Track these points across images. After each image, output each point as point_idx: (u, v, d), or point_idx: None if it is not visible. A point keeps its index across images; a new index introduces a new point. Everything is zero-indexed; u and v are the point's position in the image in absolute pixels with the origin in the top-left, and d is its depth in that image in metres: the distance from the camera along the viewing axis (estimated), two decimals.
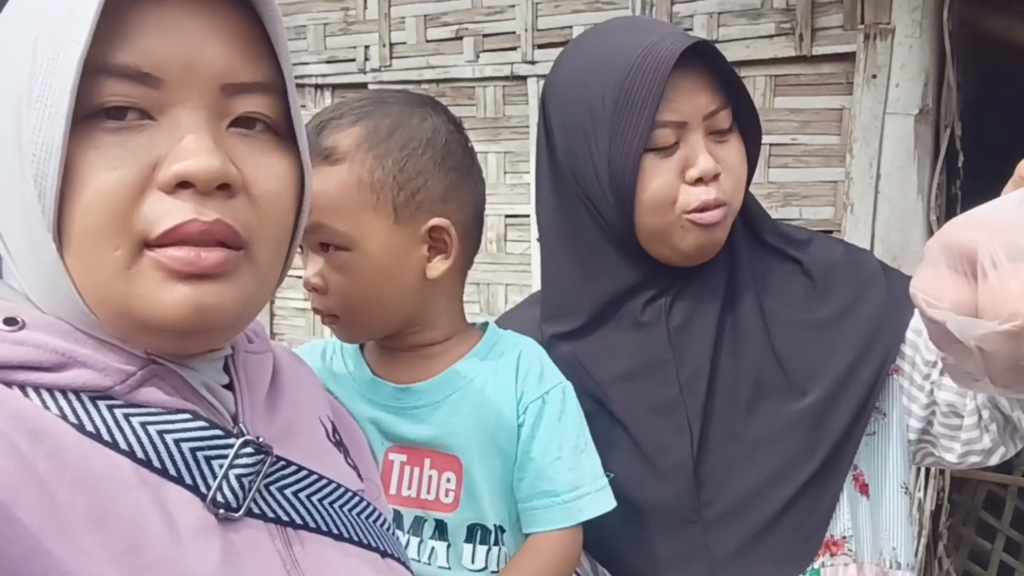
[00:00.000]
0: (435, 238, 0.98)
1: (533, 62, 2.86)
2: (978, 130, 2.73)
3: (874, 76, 2.43)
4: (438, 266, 0.99)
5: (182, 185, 0.56)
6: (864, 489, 1.10)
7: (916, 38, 2.39)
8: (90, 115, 0.55)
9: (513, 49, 2.89)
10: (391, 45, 3.04)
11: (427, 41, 3.01)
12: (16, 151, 0.55)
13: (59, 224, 0.55)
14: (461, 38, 2.96)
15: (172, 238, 0.56)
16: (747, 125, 1.09)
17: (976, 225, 0.84)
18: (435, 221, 0.97)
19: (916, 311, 1.06)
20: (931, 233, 2.40)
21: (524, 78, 2.88)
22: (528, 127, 2.89)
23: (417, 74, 3.01)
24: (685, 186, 1.04)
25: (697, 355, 1.09)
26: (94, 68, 0.54)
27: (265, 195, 0.61)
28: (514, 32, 2.88)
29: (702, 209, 1.03)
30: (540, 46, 2.85)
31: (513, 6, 2.87)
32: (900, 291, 1.12)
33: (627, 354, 1.11)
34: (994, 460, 1.14)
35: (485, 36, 2.93)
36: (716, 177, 1.03)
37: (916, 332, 1.11)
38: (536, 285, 2.90)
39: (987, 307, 0.81)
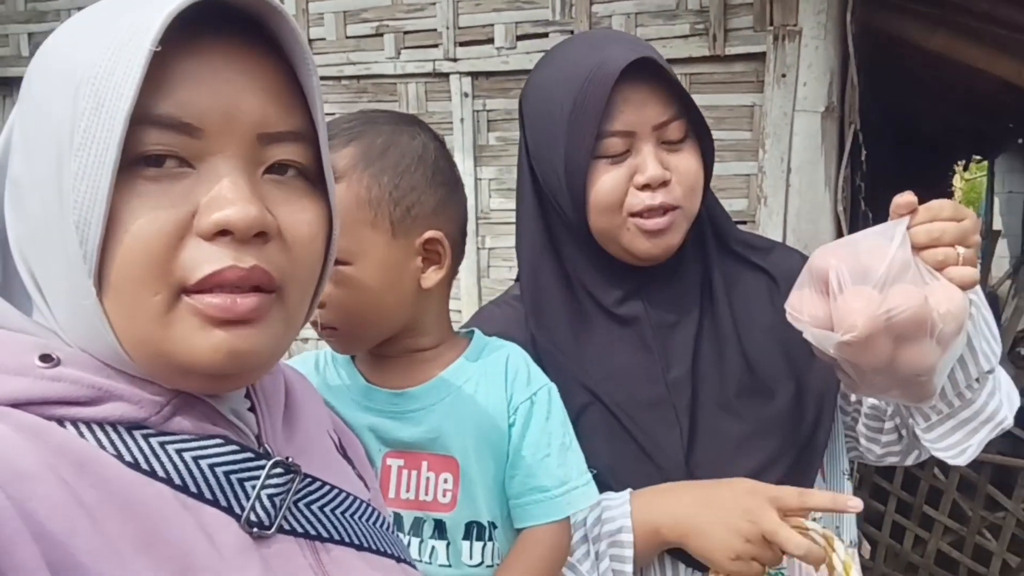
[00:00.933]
0: (429, 250, 1.02)
1: (455, 59, 2.89)
2: (878, 126, 2.90)
3: (783, 75, 2.56)
4: (432, 276, 1.03)
5: (221, 233, 0.58)
6: (823, 475, 1.21)
7: (821, 39, 2.53)
8: (130, 163, 0.56)
9: (435, 46, 2.91)
10: (310, 41, 3.01)
11: (347, 37, 3.00)
12: (56, 197, 0.56)
13: (99, 268, 0.56)
14: (382, 35, 2.96)
15: (210, 284, 0.58)
16: (702, 135, 1.15)
17: (834, 252, 0.99)
18: (430, 234, 1.01)
19: None
20: (838, 223, 2.56)
21: (446, 75, 2.91)
22: (451, 123, 2.93)
23: (337, 70, 3.00)
24: (633, 190, 1.11)
25: (681, 354, 1.16)
26: (136, 118, 0.55)
27: (298, 240, 0.63)
28: (435, 29, 2.90)
29: (647, 213, 1.10)
30: (462, 43, 2.88)
31: (434, 3, 2.89)
32: None
33: (612, 352, 1.17)
34: (910, 461, 1.27)
35: (406, 33, 2.94)
36: (666, 184, 1.10)
37: None
38: (464, 279, 2.95)
39: (835, 321, 0.96)
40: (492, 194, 2.93)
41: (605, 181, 1.11)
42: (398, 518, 1.04)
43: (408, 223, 1.00)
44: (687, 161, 1.12)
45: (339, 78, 3.01)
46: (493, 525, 1.04)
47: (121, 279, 0.57)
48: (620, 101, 1.09)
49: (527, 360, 1.09)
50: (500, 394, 1.05)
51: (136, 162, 0.57)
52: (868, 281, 0.94)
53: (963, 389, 1.09)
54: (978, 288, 1.06)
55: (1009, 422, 1.13)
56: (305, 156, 0.65)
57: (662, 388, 1.15)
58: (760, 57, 2.61)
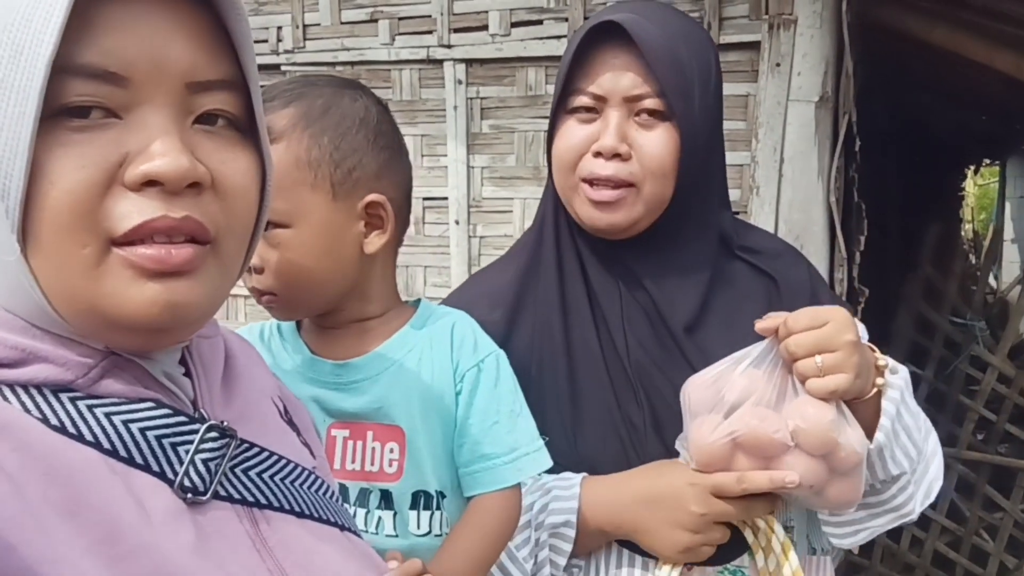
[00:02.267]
0: (371, 214, 1.01)
1: (449, 46, 2.87)
2: (868, 116, 2.87)
3: (778, 64, 2.53)
4: (375, 241, 1.02)
5: (149, 184, 0.56)
6: None
7: (817, 28, 2.50)
8: (54, 114, 0.55)
9: (429, 33, 2.89)
10: (304, 27, 3.00)
11: (341, 23, 2.98)
12: None
13: (23, 224, 0.55)
14: (376, 20, 2.94)
15: (140, 234, 0.56)
16: (691, 121, 1.11)
17: (694, 383, 1.05)
18: (372, 197, 1.00)
19: None
20: (831, 215, 2.53)
21: (440, 62, 2.89)
22: (444, 110, 2.91)
23: (332, 56, 2.99)
24: (589, 155, 1.10)
25: (645, 340, 1.15)
26: (58, 67, 0.54)
27: (231, 190, 0.62)
28: (430, 16, 2.88)
29: (596, 183, 1.09)
30: (456, 30, 2.86)
31: None
32: None
33: (580, 323, 1.16)
34: None
35: (400, 19, 2.92)
36: (621, 157, 1.08)
37: None
38: (454, 267, 2.93)
39: (689, 450, 1.05)
40: (485, 182, 2.91)
41: (566, 137, 1.11)
42: (343, 489, 1.03)
43: (349, 186, 0.98)
44: (655, 141, 1.10)
45: (333, 63, 2.99)
46: (442, 495, 1.03)
47: (47, 233, 0.55)
48: (599, 63, 1.09)
49: (474, 327, 1.08)
50: (446, 362, 1.03)
51: (60, 113, 0.55)
52: (719, 408, 1.00)
53: (870, 484, 1.09)
54: (902, 391, 1.07)
55: (915, 516, 1.13)
56: (235, 105, 0.64)
57: (624, 370, 1.14)
58: (755, 46, 2.58)
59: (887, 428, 1.06)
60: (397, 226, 1.05)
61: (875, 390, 1.06)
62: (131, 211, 0.56)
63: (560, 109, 1.13)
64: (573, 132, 1.11)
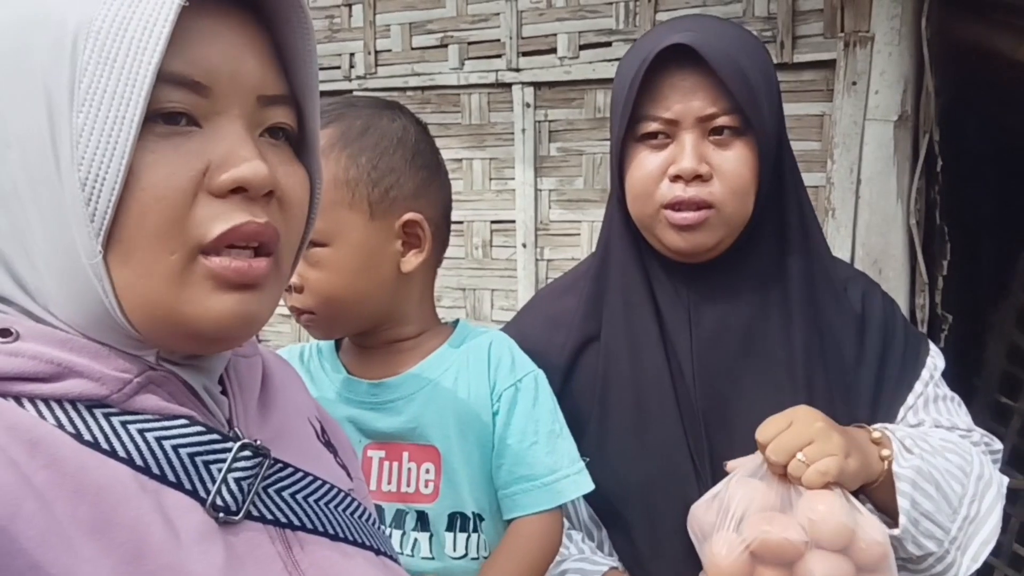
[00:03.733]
0: (409, 233, 1.01)
1: (518, 69, 2.88)
2: (955, 136, 2.76)
3: (854, 83, 2.46)
4: (412, 260, 1.02)
5: (234, 190, 0.58)
6: None
7: (895, 45, 2.41)
8: (145, 119, 0.55)
9: (498, 56, 2.90)
10: (376, 52, 3.05)
11: (412, 48, 3.02)
12: (47, 154, 0.55)
13: (109, 228, 0.55)
14: (446, 46, 2.97)
15: (229, 239, 0.58)
16: (765, 134, 1.08)
17: (696, 509, 1.03)
18: (409, 216, 1.00)
19: (912, 391, 1.12)
20: (911, 238, 2.43)
21: (509, 85, 2.90)
22: (512, 134, 2.91)
23: (402, 81, 3.03)
24: (667, 181, 1.06)
25: (714, 372, 1.11)
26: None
27: (292, 202, 0.63)
28: (499, 40, 2.90)
29: (676, 206, 1.05)
30: (524, 53, 2.87)
31: (498, 14, 2.89)
32: (909, 362, 1.16)
33: (649, 351, 1.13)
34: None
35: (470, 44, 2.94)
36: (702, 178, 1.05)
37: (907, 409, 1.14)
38: (521, 291, 2.92)
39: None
40: (552, 205, 2.90)
41: (640, 166, 1.08)
42: (379, 510, 1.02)
43: (386, 205, 0.99)
44: (734, 160, 1.06)
45: (404, 89, 3.03)
46: (480, 517, 1.01)
47: (137, 238, 0.56)
48: (667, 87, 1.06)
49: (512, 347, 1.06)
50: (483, 382, 1.02)
51: (150, 117, 0.56)
52: (726, 524, 0.98)
53: (906, 564, 1.04)
54: (918, 467, 1.02)
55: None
56: (293, 121, 0.65)
57: (674, 404, 1.11)
58: (830, 65, 2.50)
59: (906, 509, 1.00)
60: (435, 245, 1.05)
61: (885, 465, 1.02)
62: (220, 217, 0.57)
63: (628, 137, 1.10)
64: (648, 160, 1.08)
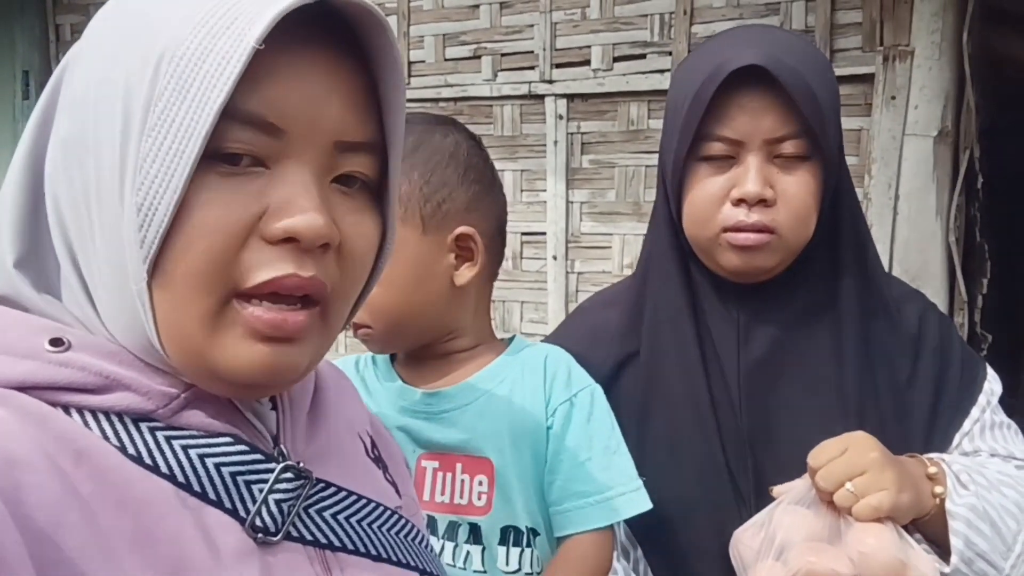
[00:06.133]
0: (461, 246, 1.01)
1: (551, 81, 2.87)
2: (996, 152, 2.72)
3: (893, 97, 2.43)
4: (465, 273, 1.02)
5: (286, 240, 0.56)
6: None
7: (935, 60, 2.39)
8: (206, 155, 0.54)
9: (531, 68, 2.90)
10: (409, 63, 3.06)
11: (445, 60, 3.03)
12: (116, 171, 0.54)
13: (156, 256, 0.54)
14: (479, 57, 2.98)
15: (267, 289, 0.56)
16: (830, 158, 1.05)
17: (740, 536, 1.00)
18: (461, 229, 1.00)
19: (968, 416, 1.10)
20: (950, 256, 2.39)
21: (542, 97, 2.89)
22: (545, 145, 2.90)
23: (435, 92, 3.03)
24: (728, 204, 1.03)
25: (763, 396, 1.09)
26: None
27: (354, 254, 0.61)
28: (532, 51, 2.89)
29: (737, 229, 1.03)
30: (558, 65, 2.87)
31: (532, 26, 2.89)
32: (966, 386, 1.12)
33: (690, 369, 1.11)
34: None
35: (503, 55, 2.94)
36: (766, 203, 1.02)
37: (962, 435, 1.11)
38: (551, 303, 2.90)
39: None
40: (584, 217, 2.89)
41: (702, 187, 1.05)
42: (432, 521, 1.01)
43: (439, 219, 0.99)
44: (798, 185, 1.02)
45: (436, 100, 3.03)
46: (534, 532, 1.00)
47: (179, 272, 0.55)
48: (734, 106, 1.02)
49: (568, 361, 1.05)
50: (538, 395, 1.01)
51: (212, 155, 0.54)
52: (770, 553, 0.95)
53: None
54: (972, 505, 0.99)
55: None
56: (372, 169, 0.63)
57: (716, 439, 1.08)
58: (868, 79, 2.48)
59: (960, 549, 0.97)
60: (489, 258, 1.04)
61: (936, 501, 0.98)
62: (263, 264, 0.56)
63: (689, 157, 1.06)
64: (710, 182, 1.04)
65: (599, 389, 1.04)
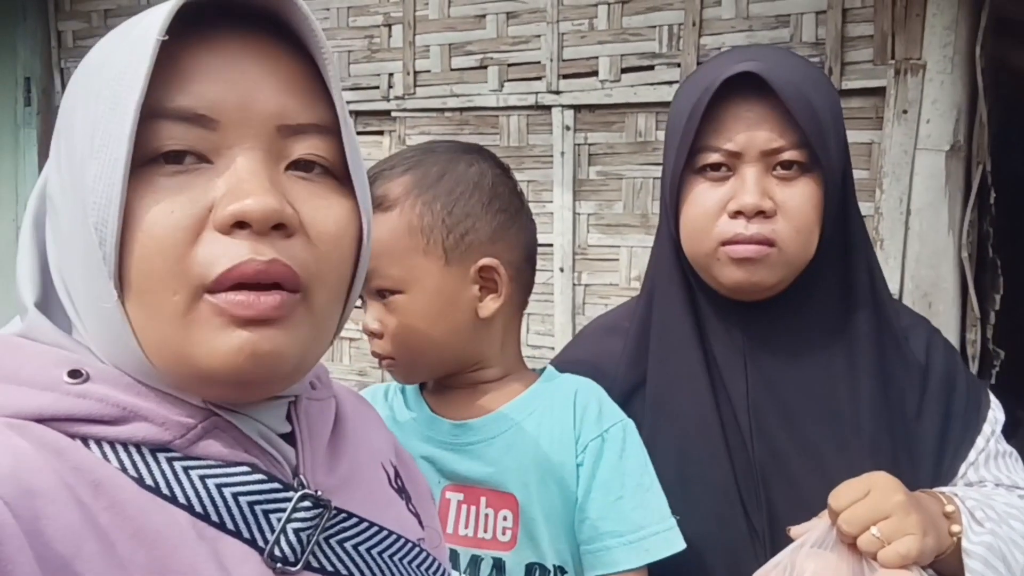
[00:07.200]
0: (485, 278, 1.00)
1: (558, 92, 2.85)
2: (1009, 166, 2.69)
3: (904, 111, 2.41)
4: (490, 305, 1.00)
5: (239, 225, 0.56)
6: None
7: (948, 74, 2.36)
8: (149, 161, 0.55)
9: (538, 79, 2.88)
10: (415, 73, 3.04)
11: (451, 69, 3.00)
12: (79, 201, 0.55)
13: (120, 271, 0.55)
14: (486, 67, 2.95)
15: (230, 280, 0.55)
16: (831, 171, 1.03)
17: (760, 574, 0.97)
18: (484, 261, 0.99)
19: (974, 447, 1.08)
20: (962, 271, 2.36)
21: (548, 107, 2.87)
22: (551, 156, 2.88)
23: (440, 102, 3.01)
24: (726, 217, 1.01)
25: (773, 424, 1.06)
26: (151, 113, 0.55)
27: (323, 237, 0.60)
28: (539, 62, 2.87)
29: (735, 242, 1.01)
30: (565, 76, 2.85)
31: (539, 36, 2.87)
32: (971, 416, 1.11)
33: (697, 399, 1.08)
34: None
35: (510, 65, 2.92)
36: (764, 214, 1.00)
37: (968, 465, 1.09)
38: (558, 315, 2.87)
39: None
40: (591, 229, 2.86)
41: (697, 200, 1.03)
42: (454, 555, 0.99)
43: (462, 250, 0.98)
44: (799, 196, 1.01)
45: (442, 110, 3.01)
46: (561, 570, 0.98)
47: (139, 279, 0.55)
48: (730, 117, 1.01)
49: (600, 395, 1.03)
50: (567, 430, 0.99)
51: (156, 160, 0.56)
52: None
53: None
54: (980, 552, 0.96)
55: None
56: (330, 152, 0.62)
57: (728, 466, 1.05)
58: (879, 92, 2.46)
59: None
60: (515, 288, 1.03)
61: (953, 540, 0.96)
62: (219, 255, 0.55)
63: (684, 170, 1.05)
64: (706, 194, 1.03)
65: (631, 424, 1.02)
